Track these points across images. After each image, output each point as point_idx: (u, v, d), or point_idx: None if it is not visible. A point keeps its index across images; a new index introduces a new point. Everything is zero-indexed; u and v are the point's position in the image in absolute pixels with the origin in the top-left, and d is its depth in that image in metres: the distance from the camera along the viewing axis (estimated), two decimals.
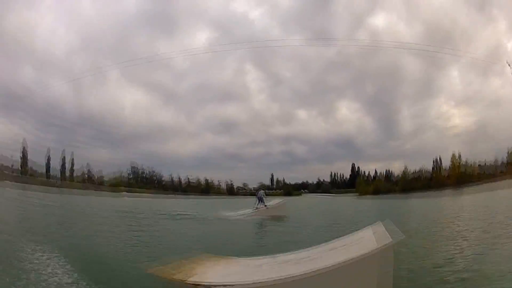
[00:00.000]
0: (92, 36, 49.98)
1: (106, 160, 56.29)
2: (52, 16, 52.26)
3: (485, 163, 43.88)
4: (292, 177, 62.22)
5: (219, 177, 55.83)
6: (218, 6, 52.00)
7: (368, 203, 37.53)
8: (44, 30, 50.12)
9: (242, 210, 20.89)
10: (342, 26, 51.45)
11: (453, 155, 40.38)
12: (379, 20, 54.54)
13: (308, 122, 55.60)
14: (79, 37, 52.86)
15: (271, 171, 57.87)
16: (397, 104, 51.16)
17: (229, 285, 5.51)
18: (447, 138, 47.67)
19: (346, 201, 36.08)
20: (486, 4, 47.31)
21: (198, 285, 5.68)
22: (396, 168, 47.99)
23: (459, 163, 39.92)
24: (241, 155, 57.14)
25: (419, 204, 32.44)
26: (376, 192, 39.59)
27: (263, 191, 25.86)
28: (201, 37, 58.35)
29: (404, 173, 42.48)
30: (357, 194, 41.83)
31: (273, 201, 22.34)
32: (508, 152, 44.06)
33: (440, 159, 44.42)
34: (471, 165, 41.15)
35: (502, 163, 40.29)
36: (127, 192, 46.82)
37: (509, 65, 39.02)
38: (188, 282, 5.87)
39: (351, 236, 6.68)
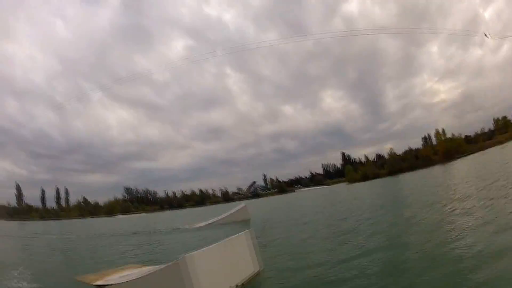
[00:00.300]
0: (70, 58, 51.62)
1: (100, 184, 56.28)
2: (29, 44, 52.78)
3: (474, 134, 43.87)
4: (286, 174, 62.19)
5: (214, 185, 55.70)
6: (191, 13, 53.36)
7: (352, 190, 36.93)
8: (21, 59, 50.87)
9: (211, 219, 20.83)
10: (316, 16, 52.46)
11: (437, 131, 40.19)
12: (352, 7, 54.95)
13: (294, 116, 57.14)
14: (57, 61, 53.64)
15: (265, 171, 58.24)
16: (381, 87, 51.91)
17: (107, 284, 6.53)
18: (435, 113, 47.69)
19: (329, 192, 34.89)
20: None
21: (99, 286, 6.74)
22: (388, 149, 47.40)
23: (444, 137, 39.61)
24: (233, 160, 58.54)
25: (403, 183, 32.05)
26: (365, 178, 39.26)
27: None
28: (178, 46, 58.70)
29: (390, 155, 42.34)
30: (347, 182, 41.45)
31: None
32: (493, 120, 44.08)
33: (429, 136, 44.45)
34: (457, 138, 40.91)
35: (490, 130, 40.29)
36: (121, 214, 46.88)
37: (486, 35, 39.02)
38: (95, 284, 6.88)
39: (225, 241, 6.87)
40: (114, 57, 53.79)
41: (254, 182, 54.26)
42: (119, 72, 56.07)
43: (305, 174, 54.82)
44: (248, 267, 6.82)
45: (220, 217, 20.12)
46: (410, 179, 29.50)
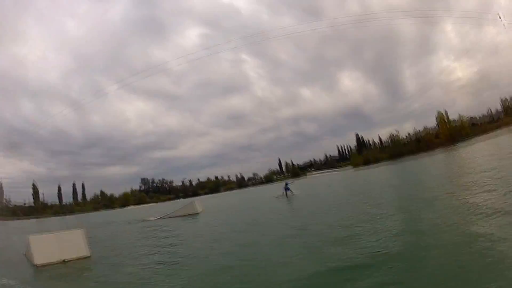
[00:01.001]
0: (84, 55, 49.11)
1: (119, 177, 56.95)
2: (40, 43, 49.71)
3: (481, 115, 45.43)
4: (307, 156, 61.97)
5: (235, 171, 57.64)
6: (203, 1, 51.16)
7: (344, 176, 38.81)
8: (34, 60, 48.55)
9: (167, 213, 24.04)
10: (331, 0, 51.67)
11: (439, 113, 41.84)
12: None
13: (313, 99, 56.79)
14: (71, 59, 50.64)
15: (285, 155, 59.84)
16: (398, 66, 51.62)
17: None
18: (452, 92, 46.95)
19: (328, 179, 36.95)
20: None
21: None
22: (408, 129, 47.56)
23: (448, 120, 41.46)
24: (253, 145, 58.42)
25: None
26: (367, 162, 41.18)
27: (289, 182, 27.44)
28: (193, 35, 57.23)
29: (391, 139, 44.31)
30: (352, 166, 43.63)
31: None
32: (501, 100, 45.78)
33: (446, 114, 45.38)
34: (461, 121, 42.53)
35: (497, 111, 41.21)
36: (134, 205, 48.34)
37: (499, 17, 39.97)
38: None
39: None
40: (128, 50, 52.01)
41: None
42: (135, 65, 53.29)
43: (319, 157, 56.47)
44: (78, 251, 10.93)
45: (173, 211, 24.00)
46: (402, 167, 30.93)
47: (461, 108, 46.77)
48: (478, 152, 28.37)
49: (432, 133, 41.25)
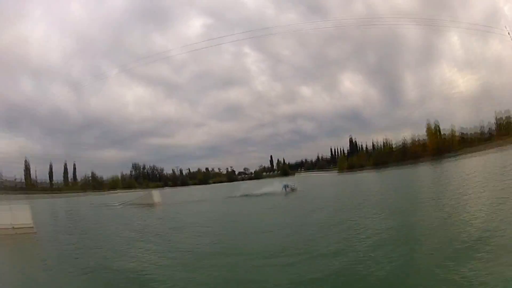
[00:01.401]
0: (87, 38, 49.41)
1: (113, 160, 57.28)
2: (44, 24, 49.92)
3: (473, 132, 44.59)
4: (299, 155, 63.05)
5: (229, 164, 57.85)
6: None
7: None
8: (37, 39, 48.01)
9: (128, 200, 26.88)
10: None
11: (428, 125, 41.66)
12: None
13: (313, 98, 57.05)
14: (74, 41, 50.71)
15: (280, 152, 60.21)
16: (400, 73, 51.95)
17: None
18: (452, 103, 46.38)
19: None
20: None
21: None
22: (406, 137, 47.30)
23: (438, 132, 41.36)
24: (250, 139, 59.26)
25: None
26: (351, 167, 41.62)
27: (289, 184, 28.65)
28: (196, 25, 57.31)
29: (375, 147, 44.38)
30: (338, 170, 44.21)
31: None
32: (495, 117, 42.39)
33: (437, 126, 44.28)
34: (453, 134, 41.49)
35: (490, 128, 40.44)
36: (122, 190, 49.05)
37: (508, 33, 39.67)
38: None
39: None
40: (131, 35, 52.21)
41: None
42: (136, 51, 53.58)
43: (311, 158, 56.90)
44: (24, 221, 13.90)
45: (133, 199, 27.16)
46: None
47: (459, 120, 46.16)
48: (460, 168, 28.93)
49: (419, 144, 41.42)
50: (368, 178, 37.34)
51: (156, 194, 27.32)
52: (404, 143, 42.71)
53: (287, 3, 55.42)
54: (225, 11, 54.23)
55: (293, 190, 26.98)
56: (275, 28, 50.51)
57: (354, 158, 45.81)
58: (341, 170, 44.39)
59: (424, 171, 35.03)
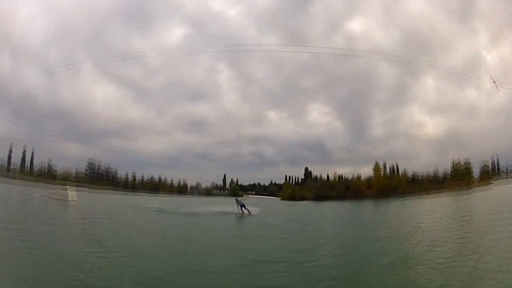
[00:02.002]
0: (68, 26, 50.80)
1: (72, 155, 59.09)
2: (30, 4, 54.32)
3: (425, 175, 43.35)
4: (255, 178, 62.43)
5: (187, 176, 56.98)
6: (195, 3, 52.81)
7: None
8: (23, 19, 49.78)
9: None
10: (318, 29, 51.99)
11: (376, 164, 39.84)
12: (356, 25, 55.03)
13: (278, 123, 55.95)
14: (56, 27, 54.53)
15: (237, 172, 58.98)
16: (369, 109, 51.46)
17: None
18: (418, 145, 47.26)
19: None
20: (468, 15, 46.91)
21: None
22: (365, 172, 46.95)
23: (383, 172, 39.35)
24: (210, 155, 57.28)
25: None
26: (292, 197, 39.88)
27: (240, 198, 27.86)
28: (176, 34, 59.87)
29: (329, 179, 42.33)
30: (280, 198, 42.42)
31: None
32: (452, 162, 43.51)
33: (397, 166, 44.18)
34: (405, 174, 40.46)
35: (445, 172, 39.89)
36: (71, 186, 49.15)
37: (494, 81, 38.80)
38: None
39: None
40: (111, 33, 52.82)
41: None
42: (114, 49, 55.63)
43: (264, 182, 55.74)
44: None
45: (49, 193, 28.90)
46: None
47: (420, 162, 44.98)
48: (399, 210, 27.02)
49: (362, 182, 38.83)
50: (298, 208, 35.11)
51: (72, 194, 28.92)
52: (346, 179, 40.71)
53: (269, 27, 57.13)
54: (207, 24, 56.02)
55: (249, 211, 24.79)
56: (253, 49, 51.39)
57: (297, 188, 43.66)
58: (282, 198, 42.34)
59: (362, 208, 32.86)
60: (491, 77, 39.24)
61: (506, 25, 45.44)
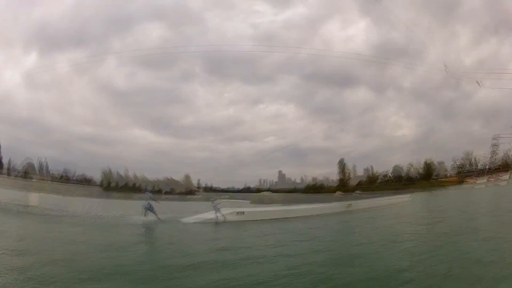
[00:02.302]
0: (51, 25, 49.27)
1: (49, 159, 56.81)
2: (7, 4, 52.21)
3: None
4: (231, 181, 61.84)
5: (163, 181, 58.63)
6: (174, 5, 52.73)
7: None
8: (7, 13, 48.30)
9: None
10: (296, 32, 53.37)
11: (341, 161, 39.30)
12: (334, 27, 55.63)
13: (255, 125, 56.54)
14: (39, 25, 49.29)
15: (216, 175, 58.43)
16: (347, 112, 51.91)
17: None
18: (395, 146, 47.03)
19: None
20: (450, 19, 49.05)
21: None
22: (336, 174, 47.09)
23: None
24: (187, 159, 58.11)
25: None
26: (261, 200, 39.46)
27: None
28: (153, 36, 58.31)
29: (303, 181, 41.95)
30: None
31: None
32: (425, 163, 42.65)
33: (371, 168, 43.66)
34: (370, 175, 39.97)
35: (388, 175, 40.20)
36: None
37: (478, 83, 38.94)
38: None
39: None
40: (91, 33, 51.72)
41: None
42: (92, 50, 54.49)
43: (239, 186, 55.28)
44: None
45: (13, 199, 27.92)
46: None
47: (398, 162, 44.93)
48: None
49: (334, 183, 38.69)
50: None
51: (34, 198, 29.54)
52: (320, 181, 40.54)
53: (247, 30, 57.56)
54: (185, 26, 56.06)
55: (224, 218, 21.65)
56: (230, 50, 51.37)
57: (266, 192, 43.39)
58: (253, 201, 41.87)
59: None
60: (476, 81, 38.99)
61: (485, 28, 45.87)
